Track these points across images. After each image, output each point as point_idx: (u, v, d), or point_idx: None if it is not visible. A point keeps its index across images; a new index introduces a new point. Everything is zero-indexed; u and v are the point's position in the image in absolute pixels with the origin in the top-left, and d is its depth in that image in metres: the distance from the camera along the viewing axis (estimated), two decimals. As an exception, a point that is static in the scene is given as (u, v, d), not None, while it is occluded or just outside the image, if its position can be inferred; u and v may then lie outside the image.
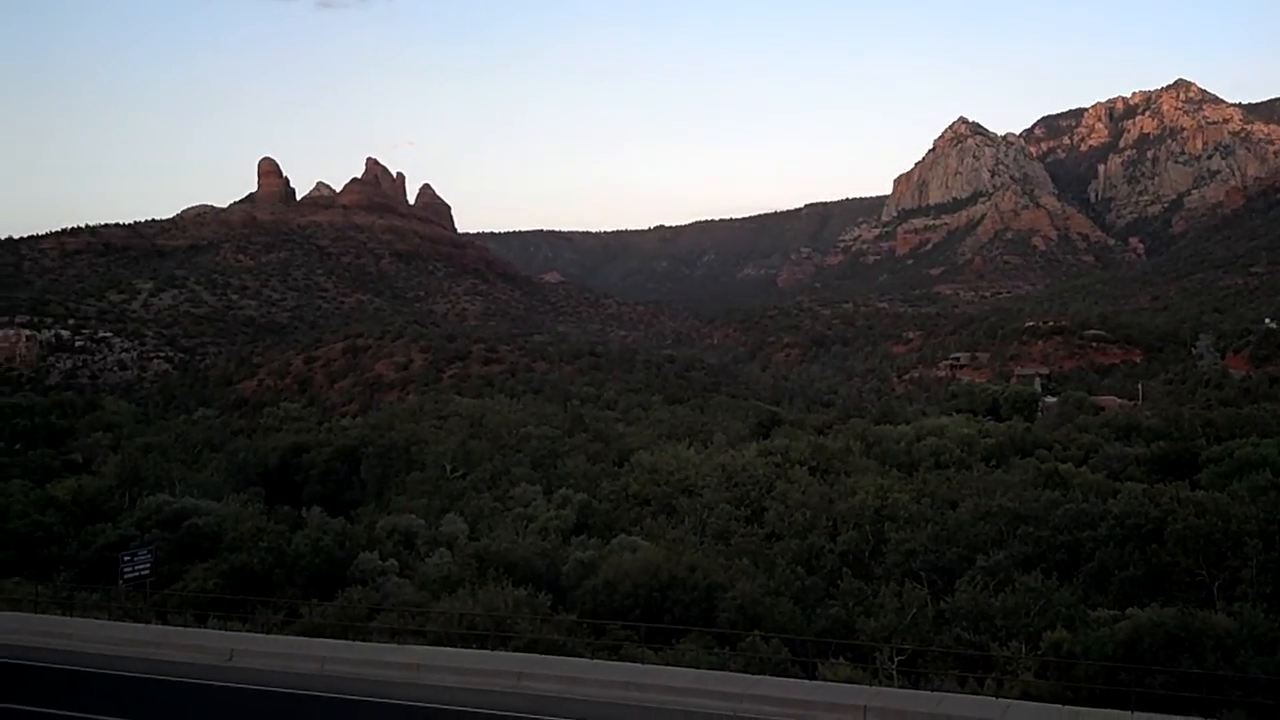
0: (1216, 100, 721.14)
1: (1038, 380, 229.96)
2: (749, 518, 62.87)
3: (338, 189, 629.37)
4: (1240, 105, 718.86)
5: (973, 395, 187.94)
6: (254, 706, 28.79)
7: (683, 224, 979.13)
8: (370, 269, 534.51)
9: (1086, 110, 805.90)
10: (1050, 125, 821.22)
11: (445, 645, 34.59)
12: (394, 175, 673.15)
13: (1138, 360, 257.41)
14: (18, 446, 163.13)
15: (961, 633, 38.85)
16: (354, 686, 29.66)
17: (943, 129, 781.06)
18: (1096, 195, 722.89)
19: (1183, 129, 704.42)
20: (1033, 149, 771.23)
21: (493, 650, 33.71)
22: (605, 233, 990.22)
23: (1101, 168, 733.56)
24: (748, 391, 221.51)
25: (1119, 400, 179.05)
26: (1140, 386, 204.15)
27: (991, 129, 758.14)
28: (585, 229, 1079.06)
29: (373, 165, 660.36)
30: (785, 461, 74.33)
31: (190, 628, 38.02)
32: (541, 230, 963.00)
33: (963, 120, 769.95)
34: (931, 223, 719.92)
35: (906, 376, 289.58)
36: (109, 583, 46.95)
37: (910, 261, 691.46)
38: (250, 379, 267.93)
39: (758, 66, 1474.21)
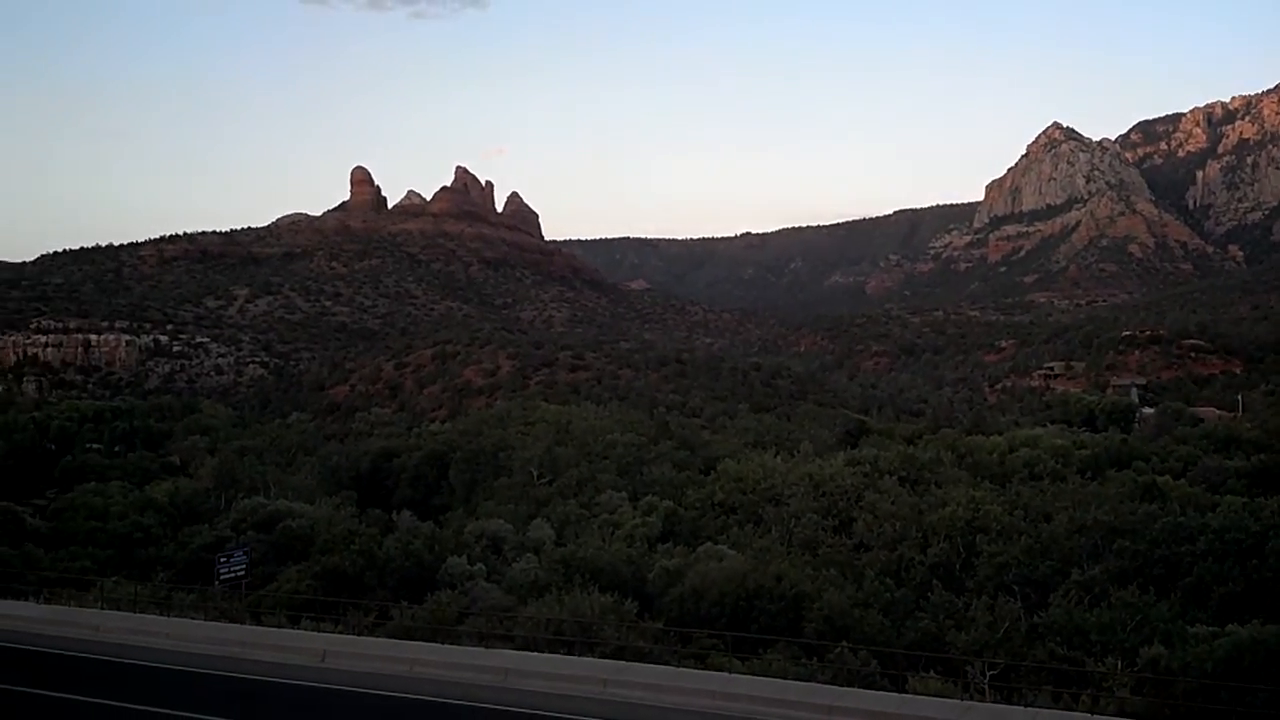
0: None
1: (1134, 391, 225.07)
2: (837, 528, 62.36)
3: (428, 197, 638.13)
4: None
5: (1067, 406, 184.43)
6: (346, 707, 29.16)
7: (770, 231, 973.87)
8: (459, 276, 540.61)
9: (1184, 115, 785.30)
10: (1147, 130, 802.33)
11: (532, 650, 34.73)
12: (483, 183, 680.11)
13: (1237, 371, 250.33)
14: (118, 449, 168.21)
15: (1055, 647, 38.20)
16: (443, 690, 29.89)
17: (1036, 134, 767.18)
18: (1194, 202, 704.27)
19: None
20: (1129, 154, 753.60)
21: (579, 656, 33.77)
22: (691, 240, 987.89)
23: (1200, 174, 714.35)
24: (835, 400, 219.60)
25: (1218, 411, 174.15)
26: (1240, 397, 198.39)
27: (1086, 134, 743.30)
28: (671, 236, 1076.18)
29: (462, 174, 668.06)
30: (874, 471, 73.59)
31: (284, 629, 38.61)
32: (628, 237, 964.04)
33: (1056, 125, 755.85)
34: (1025, 229, 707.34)
35: (999, 386, 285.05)
36: (205, 583, 47.93)
37: (1003, 269, 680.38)
38: (342, 384, 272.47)
39: (847, 71, 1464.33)
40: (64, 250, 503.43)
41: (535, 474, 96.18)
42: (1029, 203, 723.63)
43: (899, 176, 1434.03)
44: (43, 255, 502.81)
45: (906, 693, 30.83)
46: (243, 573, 46.08)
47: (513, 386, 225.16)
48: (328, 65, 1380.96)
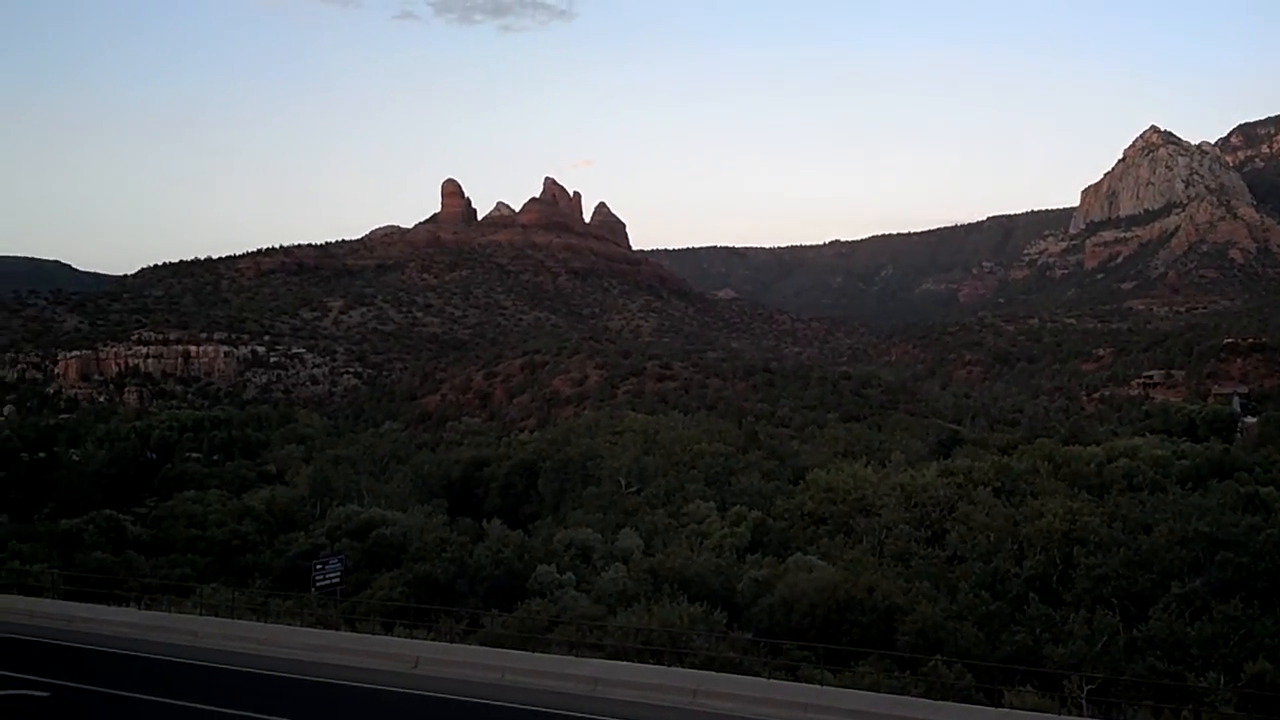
0: None
1: (1236, 399, 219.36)
2: (929, 539, 61.45)
3: (517, 208, 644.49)
4: None
5: (1167, 415, 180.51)
6: (438, 714, 29.42)
7: (859, 238, 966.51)
8: (548, 286, 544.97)
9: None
10: (1247, 133, 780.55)
11: (622, 659, 34.71)
12: (571, 194, 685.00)
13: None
14: (216, 457, 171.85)
15: (1155, 662, 37.27)
16: (534, 697, 30.02)
17: (1133, 138, 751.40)
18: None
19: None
20: (1229, 158, 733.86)
21: (669, 666, 33.69)
22: (779, 248, 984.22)
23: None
24: (927, 410, 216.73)
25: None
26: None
27: (1185, 137, 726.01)
28: (759, 245, 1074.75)
29: (550, 185, 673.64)
30: (968, 482, 72.40)
31: (377, 635, 39.08)
32: (715, 246, 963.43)
33: (1154, 129, 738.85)
34: (1122, 235, 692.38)
35: (1096, 395, 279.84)
36: (301, 590, 48.65)
37: (1100, 276, 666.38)
38: (434, 394, 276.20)
39: (936, 75, 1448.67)
40: (164, 264, 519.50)
41: (623, 483, 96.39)
42: (1126, 208, 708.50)
43: (992, 182, 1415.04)
44: (144, 269, 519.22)
45: (1002, 707, 30.33)
46: (337, 580, 46.66)
47: (601, 396, 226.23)
48: (420, 80, 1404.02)
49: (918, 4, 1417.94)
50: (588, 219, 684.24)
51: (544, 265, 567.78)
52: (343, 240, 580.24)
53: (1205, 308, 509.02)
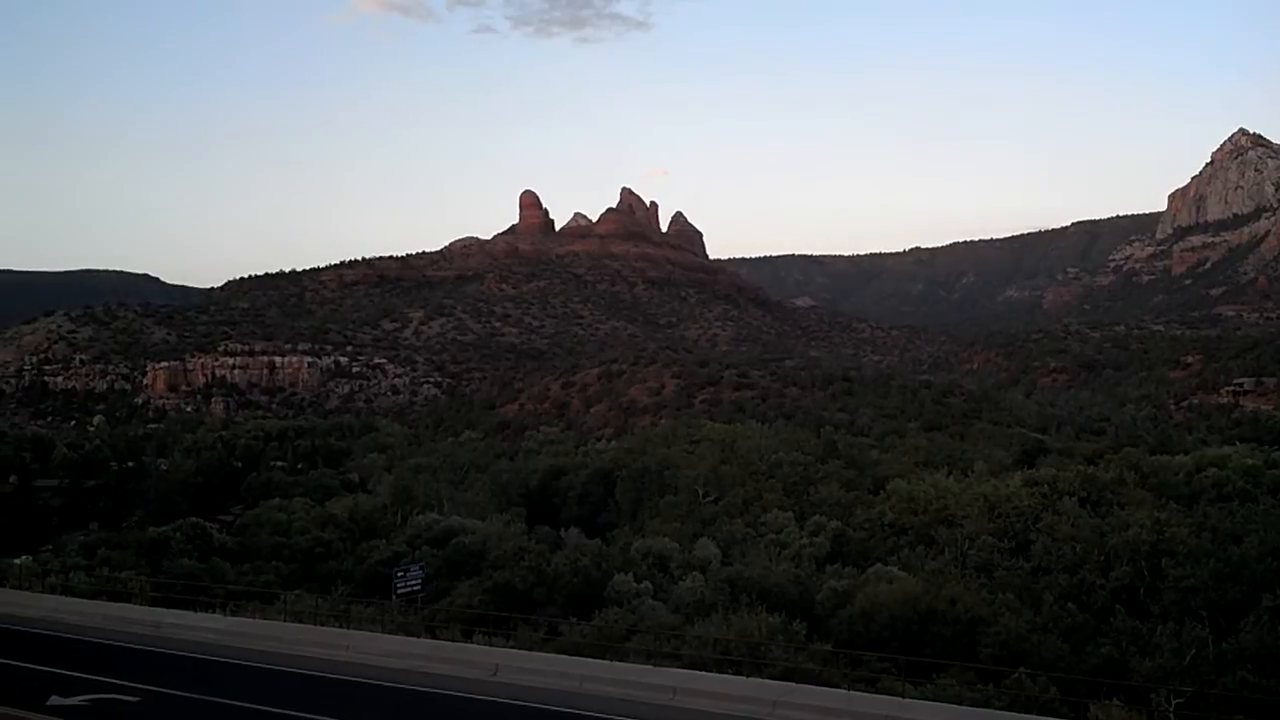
0: None
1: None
2: (1013, 550, 60.55)
3: (594, 219, 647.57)
4: None
5: (1258, 423, 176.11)
6: (518, 722, 29.59)
7: (939, 245, 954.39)
8: (624, 296, 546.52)
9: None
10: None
11: (699, 669, 34.59)
12: (647, 204, 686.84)
13: None
14: (300, 466, 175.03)
15: (1246, 675, 36.36)
16: (612, 706, 30.00)
17: (1221, 141, 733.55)
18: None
19: None
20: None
21: (747, 677, 33.49)
22: (858, 255, 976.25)
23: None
24: (1010, 419, 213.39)
25: None
26: None
27: (1275, 140, 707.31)
28: (837, 252, 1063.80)
29: (627, 195, 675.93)
30: (1053, 492, 71.15)
31: (457, 642, 39.36)
32: (793, 254, 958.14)
33: (1243, 131, 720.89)
34: (1211, 240, 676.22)
35: (1185, 403, 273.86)
36: (383, 597, 49.19)
37: (1188, 281, 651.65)
38: (512, 403, 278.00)
39: (1016, 79, 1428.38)
40: (250, 276, 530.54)
41: (701, 493, 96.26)
42: (1214, 212, 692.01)
43: (1075, 187, 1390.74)
44: (230, 281, 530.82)
45: (1088, 721, 29.69)
46: (418, 587, 47.12)
47: (678, 405, 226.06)
48: (498, 91, 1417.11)
49: (993, 9, 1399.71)
50: (664, 228, 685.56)
51: (621, 275, 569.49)
52: (423, 252, 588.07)
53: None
